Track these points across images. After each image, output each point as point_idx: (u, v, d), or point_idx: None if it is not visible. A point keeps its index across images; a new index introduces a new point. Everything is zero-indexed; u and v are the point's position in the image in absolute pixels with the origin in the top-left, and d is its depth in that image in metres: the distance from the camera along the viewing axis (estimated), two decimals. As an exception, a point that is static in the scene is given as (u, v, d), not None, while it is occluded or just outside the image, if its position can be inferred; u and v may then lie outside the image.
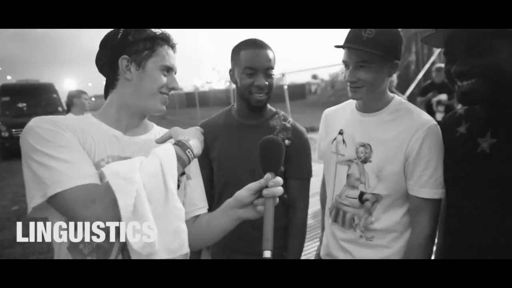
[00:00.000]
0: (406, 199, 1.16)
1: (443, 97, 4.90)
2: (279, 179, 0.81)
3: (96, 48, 0.95)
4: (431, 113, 4.79)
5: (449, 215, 1.02)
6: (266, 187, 0.80)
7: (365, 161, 1.18)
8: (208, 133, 1.36)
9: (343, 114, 1.31)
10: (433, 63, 11.03)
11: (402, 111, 1.15)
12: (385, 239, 1.18)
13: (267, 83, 1.24)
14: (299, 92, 30.14)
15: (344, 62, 1.14)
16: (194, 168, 1.02)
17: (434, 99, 4.94)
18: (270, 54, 1.25)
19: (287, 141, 1.28)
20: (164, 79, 0.92)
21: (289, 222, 1.35)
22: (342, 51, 1.15)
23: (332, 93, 20.45)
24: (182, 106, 24.32)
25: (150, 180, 0.74)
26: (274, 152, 0.83)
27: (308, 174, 1.36)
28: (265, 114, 1.34)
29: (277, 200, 0.81)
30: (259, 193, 0.83)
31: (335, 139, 1.29)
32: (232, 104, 1.41)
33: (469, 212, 0.91)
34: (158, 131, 1.03)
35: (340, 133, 1.27)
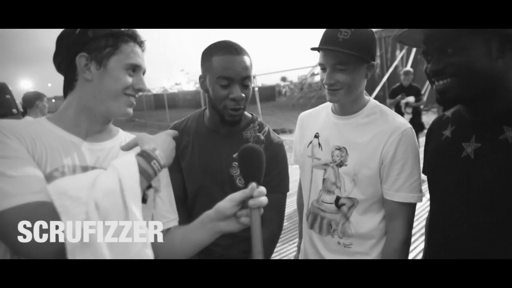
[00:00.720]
0: (382, 204, 1.15)
1: (411, 99, 5.11)
2: (264, 189, 0.76)
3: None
4: (400, 114, 4.98)
5: (433, 220, 1.01)
6: (251, 197, 0.75)
7: (340, 164, 1.16)
8: (179, 139, 1.25)
9: (318, 117, 1.28)
10: (396, 67, 11.55)
11: (377, 114, 1.14)
12: (364, 246, 1.16)
13: (243, 95, 1.08)
14: (269, 94, 30.40)
15: (321, 64, 1.10)
16: (163, 178, 0.94)
17: (403, 101, 5.14)
18: (247, 60, 1.09)
19: None
20: (129, 79, 0.83)
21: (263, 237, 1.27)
22: (311, 54, 1.14)
23: (301, 95, 20.80)
24: (151, 108, 23.67)
25: (106, 198, 0.65)
26: (255, 160, 0.77)
27: (283, 188, 1.22)
28: (239, 124, 1.19)
29: (262, 210, 0.77)
30: (242, 204, 0.77)
31: (310, 142, 1.25)
32: (205, 108, 1.27)
33: (454, 218, 0.90)
34: (124, 137, 0.94)
35: (316, 136, 1.24)
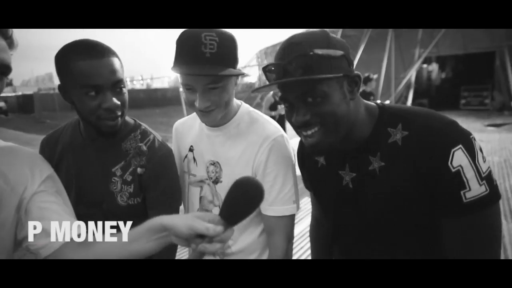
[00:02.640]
0: (262, 218, 1.08)
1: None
2: (228, 236, 0.65)
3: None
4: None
5: (330, 236, 1.02)
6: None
7: (216, 181, 1.06)
8: (51, 152, 1.06)
9: (193, 128, 1.15)
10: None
11: (247, 123, 1.05)
12: None
13: (118, 102, 0.92)
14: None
15: (187, 85, 0.94)
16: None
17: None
18: (115, 62, 0.92)
19: (139, 169, 1.02)
20: None
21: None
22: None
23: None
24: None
25: None
26: (250, 202, 0.64)
27: (174, 202, 1.07)
28: (118, 133, 1.00)
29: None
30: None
31: (186, 156, 1.14)
32: None
33: (343, 238, 0.95)
34: None
35: (191, 149, 1.12)
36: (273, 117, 5.32)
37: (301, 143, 1.04)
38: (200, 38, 0.87)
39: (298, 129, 0.80)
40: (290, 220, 1.04)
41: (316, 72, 0.71)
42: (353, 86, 0.79)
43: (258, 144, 1.01)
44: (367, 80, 5.95)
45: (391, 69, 12.59)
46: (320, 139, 0.78)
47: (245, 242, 1.08)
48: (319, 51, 0.71)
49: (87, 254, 0.75)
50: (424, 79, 15.75)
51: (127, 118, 1.06)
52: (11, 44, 0.73)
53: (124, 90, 0.95)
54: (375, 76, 6.25)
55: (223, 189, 1.05)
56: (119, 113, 0.94)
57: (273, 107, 5.71)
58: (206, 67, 0.88)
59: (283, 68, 0.74)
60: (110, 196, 1.01)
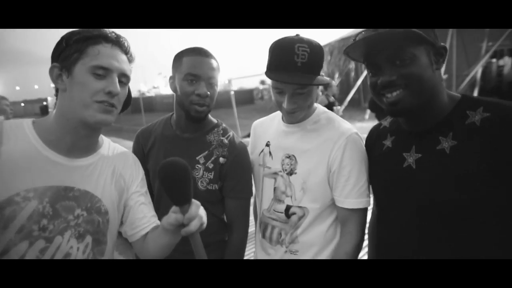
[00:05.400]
0: (332, 210, 1.14)
1: None
2: (192, 214, 0.73)
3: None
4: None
5: (378, 226, 1.03)
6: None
7: (290, 173, 1.14)
8: (145, 142, 1.28)
9: (270, 126, 1.27)
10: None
11: (323, 121, 1.14)
12: (309, 253, 1.15)
13: (208, 92, 1.13)
14: (247, 97, 30.42)
15: (277, 88, 1.06)
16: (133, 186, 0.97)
17: None
18: (213, 63, 1.16)
19: (221, 159, 1.19)
20: (97, 84, 0.78)
21: (227, 244, 1.24)
22: None
23: (279, 98, 20.90)
24: (127, 112, 23.04)
25: None
26: (176, 180, 0.72)
27: (247, 193, 1.23)
28: (203, 127, 1.23)
29: (204, 226, 0.76)
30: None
31: (262, 151, 1.24)
32: (172, 113, 1.30)
33: (396, 225, 0.92)
34: (107, 148, 0.95)
35: (267, 145, 1.22)
36: None
37: (370, 131, 1.10)
38: (293, 49, 0.99)
39: (382, 90, 0.85)
40: (364, 212, 1.10)
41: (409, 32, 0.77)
42: (438, 57, 0.83)
43: (334, 140, 1.08)
44: (327, 86, 5.42)
45: (451, 67, 11.69)
46: (402, 99, 0.82)
47: (312, 234, 1.14)
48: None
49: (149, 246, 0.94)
50: (493, 75, 14.29)
51: (211, 117, 1.26)
52: (130, 58, 0.89)
53: (215, 86, 1.16)
54: (334, 82, 5.60)
55: (297, 180, 1.13)
56: (207, 104, 1.15)
57: (328, 108, 5.50)
58: (297, 75, 0.99)
59: (375, 34, 0.80)
60: (192, 181, 1.15)
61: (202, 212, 0.76)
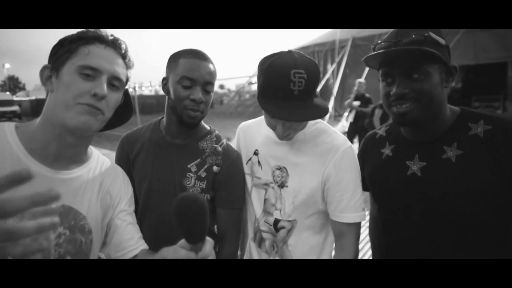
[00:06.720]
0: (324, 223, 1.11)
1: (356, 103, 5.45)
2: (206, 253, 0.64)
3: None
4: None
5: (382, 232, 1.04)
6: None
7: (282, 185, 1.09)
8: (131, 148, 1.14)
9: (258, 132, 1.19)
10: (327, 79, 12.28)
11: (315, 132, 1.08)
12: None
13: (204, 98, 1.05)
14: (207, 101, 29.85)
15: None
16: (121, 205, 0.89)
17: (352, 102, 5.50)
18: (211, 67, 1.07)
19: (215, 168, 1.10)
20: (83, 85, 0.70)
21: (217, 255, 1.14)
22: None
23: (239, 103, 20.94)
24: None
25: None
26: (194, 217, 0.63)
27: (240, 203, 1.17)
28: (196, 134, 1.14)
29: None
30: None
31: (250, 159, 1.17)
32: (162, 117, 1.19)
33: (402, 232, 0.94)
34: (96, 160, 0.85)
35: (255, 153, 1.15)
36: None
37: (364, 140, 1.11)
38: (289, 76, 0.88)
39: (393, 102, 0.88)
40: (359, 225, 1.07)
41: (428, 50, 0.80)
42: (449, 76, 0.88)
43: (328, 154, 1.04)
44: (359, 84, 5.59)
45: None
46: (411, 111, 0.86)
47: (302, 249, 1.10)
48: (432, 34, 0.82)
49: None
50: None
51: (204, 124, 1.17)
52: (128, 63, 0.82)
53: (211, 93, 1.07)
54: (363, 80, 5.88)
55: (288, 193, 1.07)
56: (201, 110, 1.05)
57: (365, 104, 5.37)
58: (294, 104, 0.90)
59: (397, 43, 0.84)
60: (182, 190, 1.07)
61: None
